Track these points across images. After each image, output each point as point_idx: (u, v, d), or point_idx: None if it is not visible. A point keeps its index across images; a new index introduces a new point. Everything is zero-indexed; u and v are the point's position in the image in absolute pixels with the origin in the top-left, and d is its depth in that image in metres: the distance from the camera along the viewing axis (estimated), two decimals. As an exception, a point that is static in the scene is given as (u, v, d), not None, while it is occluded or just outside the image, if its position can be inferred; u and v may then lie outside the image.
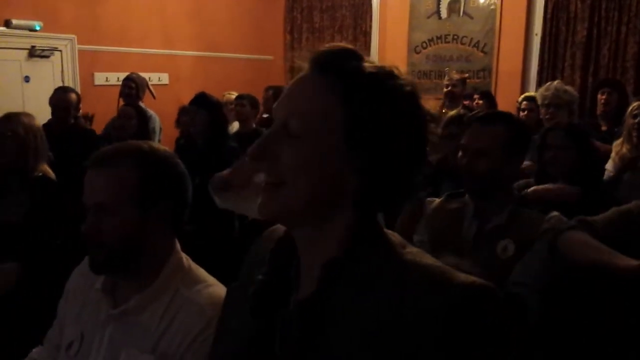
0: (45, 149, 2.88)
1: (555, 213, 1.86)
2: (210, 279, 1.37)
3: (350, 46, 0.87)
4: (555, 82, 4.25)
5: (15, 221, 2.62)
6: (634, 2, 6.04)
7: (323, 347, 0.81)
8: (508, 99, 5.84)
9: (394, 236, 0.89)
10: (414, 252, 0.85)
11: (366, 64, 0.84)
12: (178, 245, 1.39)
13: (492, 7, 6.90)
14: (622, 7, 6.11)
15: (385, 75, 0.84)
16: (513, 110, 5.07)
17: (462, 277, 0.79)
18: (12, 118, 2.84)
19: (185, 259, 1.39)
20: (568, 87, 4.23)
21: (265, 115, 5.54)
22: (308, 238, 0.88)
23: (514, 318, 0.82)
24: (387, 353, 0.77)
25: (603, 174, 3.26)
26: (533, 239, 1.79)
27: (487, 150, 1.84)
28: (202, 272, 1.39)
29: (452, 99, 4.99)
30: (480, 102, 5.28)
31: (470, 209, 1.92)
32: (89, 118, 5.02)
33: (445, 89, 5.09)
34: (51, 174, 2.85)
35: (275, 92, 5.76)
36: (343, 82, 0.83)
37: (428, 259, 0.84)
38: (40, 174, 2.79)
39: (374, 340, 0.78)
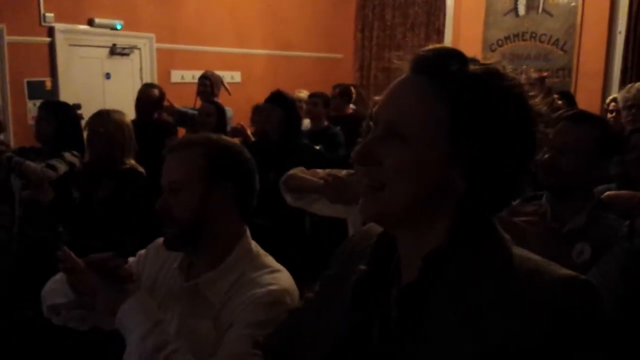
0: (132, 144, 3.01)
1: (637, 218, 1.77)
2: (277, 265, 1.46)
3: (450, 47, 0.86)
4: (637, 84, 4.09)
5: (102, 208, 2.77)
6: None
7: (422, 335, 0.82)
8: (589, 100, 5.61)
9: (506, 235, 0.88)
10: (520, 249, 0.86)
11: (470, 65, 0.83)
12: (248, 232, 1.51)
13: (573, 3, 6.64)
14: None
15: (490, 76, 0.82)
16: (595, 111, 4.85)
17: (567, 271, 0.81)
18: (104, 115, 2.98)
19: (255, 245, 1.50)
20: None
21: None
22: (409, 237, 0.89)
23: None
24: (488, 341, 0.77)
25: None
26: (610, 243, 1.70)
27: (574, 148, 1.78)
28: (269, 260, 1.48)
29: (530, 98, 4.80)
30: (560, 102, 5.07)
31: (548, 211, 1.84)
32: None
33: (522, 88, 4.89)
34: (139, 167, 2.97)
35: (342, 91, 5.74)
36: (447, 84, 0.82)
37: (534, 255, 0.84)
38: (128, 166, 2.91)
39: (474, 328, 0.78)
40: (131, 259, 1.62)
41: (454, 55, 0.84)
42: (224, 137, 1.54)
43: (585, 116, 1.90)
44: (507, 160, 0.82)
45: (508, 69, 0.85)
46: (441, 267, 0.83)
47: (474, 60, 0.84)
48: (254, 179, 1.51)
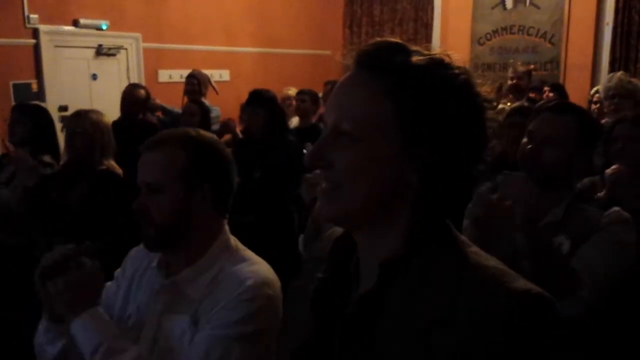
0: (111, 145, 2.97)
1: (616, 208, 1.77)
2: (256, 258, 1.44)
3: (395, 40, 0.84)
4: (619, 73, 4.12)
5: (75, 208, 2.75)
6: None
7: (379, 342, 0.81)
8: (578, 92, 5.61)
9: (460, 235, 0.87)
10: (478, 253, 0.84)
11: (414, 57, 0.81)
12: (226, 227, 1.48)
13: (561, -4, 6.64)
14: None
15: (434, 67, 0.80)
16: (583, 104, 4.85)
17: (521, 283, 0.78)
18: (81, 115, 2.95)
19: (233, 240, 1.48)
20: (633, 78, 4.06)
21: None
22: (368, 238, 0.87)
23: (566, 327, 0.79)
24: (437, 351, 0.76)
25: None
26: (590, 235, 1.71)
27: (557, 140, 1.76)
28: (248, 253, 1.46)
29: (517, 91, 4.81)
30: (551, 94, 5.07)
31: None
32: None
33: (509, 82, 4.92)
34: (117, 168, 2.94)
35: (334, 87, 5.72)
36: (391, 79, 0.80)
37: (491, 261, 0.82)
38: (105, 167, 2.88)
39: (425, 336, 0.77)
40: (108, 284, 1.58)
41: (397, 48, 0.82)
42: (203, 132, 1.48)
43: (566, 107, 1.88)
44: (457, 151, 0.81)
45: (454, 58, 0.82)
46: (397, 275, 0.82)
47: (419, 52, 0.82)
48: (233, 176, 1.48)
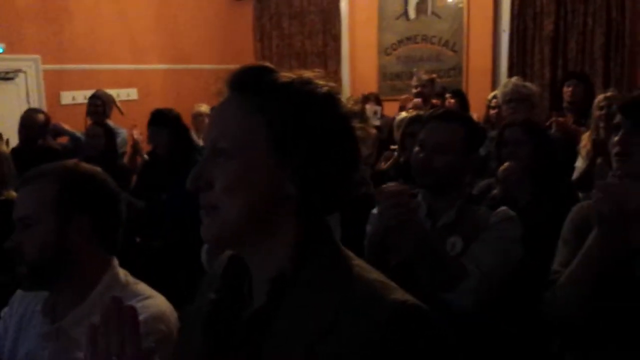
0: (11, 175, 2.85)
1: (503, 208, 1.90)
2: (150, 291, 1.41)
3: (262, 63, 0.91)
4: (513, 78, 4.38)
5: None
6: (599, -6, 6.09)
7: (266, 359, 0.83)
8: (479, 97, 5.85)
9: (344, 249, 0.91)
10: (361, 266, 0.88)
11: (281, 77, 0.87)
12: (115, 262, 1.44)
13: (460, 5, 6.92)
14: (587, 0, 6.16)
15: (300, 83, 0.87)
16: (484, 108, 5.07)
17: (399, 294, 0.83)
18: None
19: (124, 274, 1.44)
20: (527, 83, 4.31)
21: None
22: (256, 255, 0.89)
23: (443, 336, 0.84)
24: None
25: (565, 168, 3.31)
26: (479, 232, 1.82)
27: (446, 146, 1.86)
28: (142, 287, 1.43)
29: (421, 100, 4.98)
30: (452, 100, 5.27)
31: (423, 209, 1.91)
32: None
33: (414, 90, 5.09)
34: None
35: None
36: (260, 96, 0.85)
37: (373, 274, 0.87)
38: (4, 198, 2.75)
39: (310, 349, 0.80)
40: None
41: (264, 70, 0.88)
42: (82, 164, 1.46)
43: (452, 114, 2.01)
44: (328, 159, 0.85)
45: (319, 77, 0.89)
46: (285, 290, 0.85)
47: (286, 74, 0.89)
48: (116, 208, 1.45)
